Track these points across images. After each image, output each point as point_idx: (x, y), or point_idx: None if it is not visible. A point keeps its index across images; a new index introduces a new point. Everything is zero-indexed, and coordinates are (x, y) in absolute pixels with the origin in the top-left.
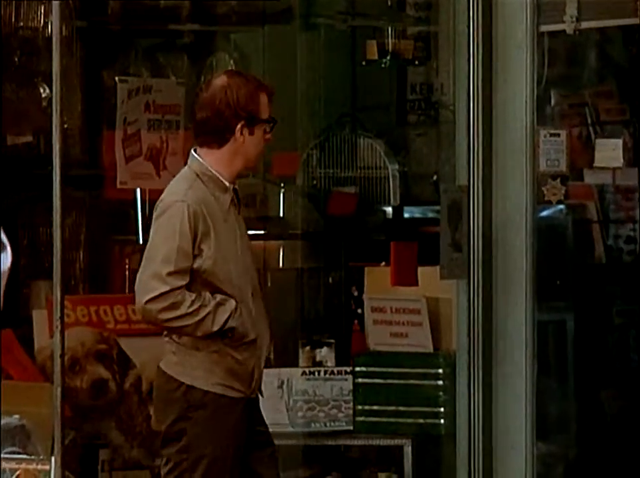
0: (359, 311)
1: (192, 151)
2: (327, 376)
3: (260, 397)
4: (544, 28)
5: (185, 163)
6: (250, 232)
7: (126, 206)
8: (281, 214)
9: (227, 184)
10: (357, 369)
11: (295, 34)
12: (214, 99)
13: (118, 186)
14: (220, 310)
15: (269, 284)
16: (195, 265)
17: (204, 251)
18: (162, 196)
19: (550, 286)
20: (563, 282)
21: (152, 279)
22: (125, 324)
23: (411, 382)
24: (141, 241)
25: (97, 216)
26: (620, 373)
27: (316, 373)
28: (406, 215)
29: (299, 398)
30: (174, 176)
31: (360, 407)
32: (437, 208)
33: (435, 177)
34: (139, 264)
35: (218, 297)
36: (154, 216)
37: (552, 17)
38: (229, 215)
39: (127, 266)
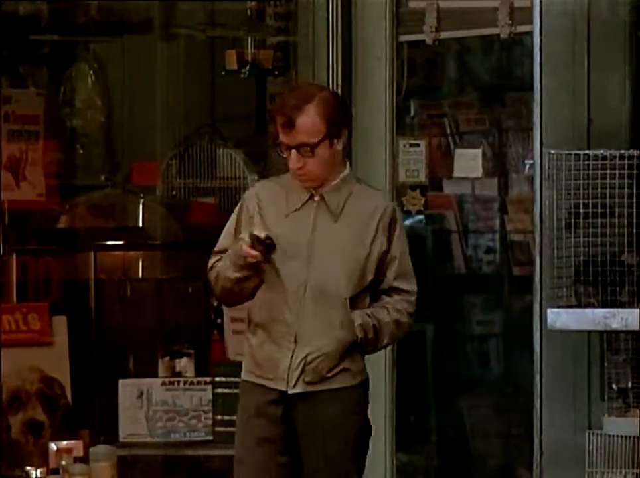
0: (219, 320)
1: None
2: (187, 386)
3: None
4: (404, 38)
5: (45, 174)
6: (109, 243)
7: None
8: (141, 224)
9: (302, 187)
10: (217, 379)
11: (155, 44)
12: None
13: None
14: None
15: (128, 294)
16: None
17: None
18: None
19: None
20: (422, 292)
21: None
22: None
23: None
24: (1, 251)
25: None
26: (479, 383)
27: (175, 383)
28: None
29: (158, 408)
30: (33, 186)
31: (219, 417)
32: None
33: None
34: None
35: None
36: None
37: (412, 27)
38: (300, 214)
39: None
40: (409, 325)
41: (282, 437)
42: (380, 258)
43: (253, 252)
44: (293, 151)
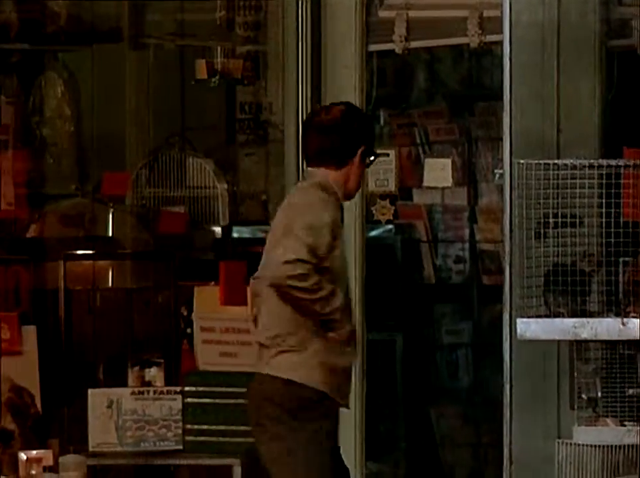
0: (189, 330)
1: (310, 169)
2: (156, 395)
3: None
4: (373, 47)
5: (14, 183)
6: (79, 252)
7: None
8: (111, 234)
9: (340, 202)
10: (186, 388)
11: (125, 54)
12: (339, 124)
13: None
14: (334, 296)
15: (98, 304)
16: (326, 263)
17: (334, 249)
18: (296, 199)
19: (379, 305)
20: (392, 301)
21: (291, 249)
22: None
23: (241, 401)
24: None
25: None
26: (449, 392)
27: (145, 393)
28: (235, 234)
29: (128, 417)
30: (3, 196)
31: (189, 426)
32: (266, 227)
33: (264, 197)
34: None
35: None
36: (290, 203)
37: (381, 37)
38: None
39: None
40: None
41: None
42: None
43: None
44: None
